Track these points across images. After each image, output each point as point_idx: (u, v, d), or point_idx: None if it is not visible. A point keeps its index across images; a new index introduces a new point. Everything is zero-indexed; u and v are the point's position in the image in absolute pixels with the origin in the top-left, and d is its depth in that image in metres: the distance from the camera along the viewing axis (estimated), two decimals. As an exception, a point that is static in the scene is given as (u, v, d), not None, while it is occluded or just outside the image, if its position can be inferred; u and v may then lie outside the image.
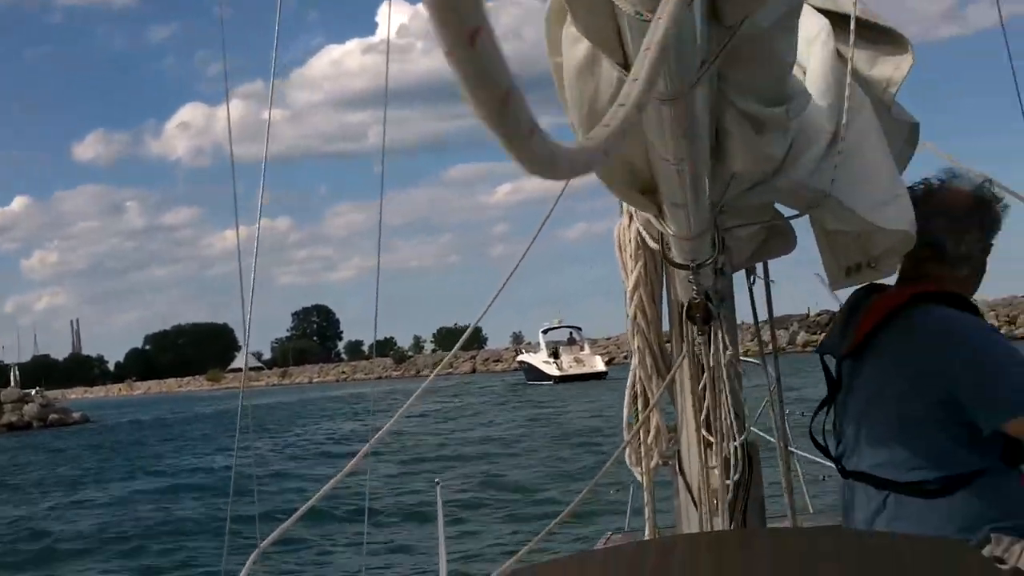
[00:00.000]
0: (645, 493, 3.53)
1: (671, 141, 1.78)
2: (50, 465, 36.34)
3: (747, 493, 3.04)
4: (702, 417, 2.95)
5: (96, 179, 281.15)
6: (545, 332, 74.46)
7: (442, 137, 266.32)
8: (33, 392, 73.62)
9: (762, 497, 3.19)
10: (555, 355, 70.64)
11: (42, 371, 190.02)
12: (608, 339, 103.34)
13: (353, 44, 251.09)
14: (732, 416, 2.85)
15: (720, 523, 2.99)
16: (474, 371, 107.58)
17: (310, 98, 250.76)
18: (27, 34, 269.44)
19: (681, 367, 3.08)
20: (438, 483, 5.71)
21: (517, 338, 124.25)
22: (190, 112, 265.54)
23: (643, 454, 3.41)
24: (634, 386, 3.34)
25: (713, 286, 2.64)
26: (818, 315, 73.91)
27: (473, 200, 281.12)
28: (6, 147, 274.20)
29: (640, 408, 3.33)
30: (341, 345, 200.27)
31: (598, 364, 69.31)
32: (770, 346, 3.42)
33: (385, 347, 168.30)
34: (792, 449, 3.74)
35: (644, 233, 2.89)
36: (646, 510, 3.58)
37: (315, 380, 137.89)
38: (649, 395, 3.29)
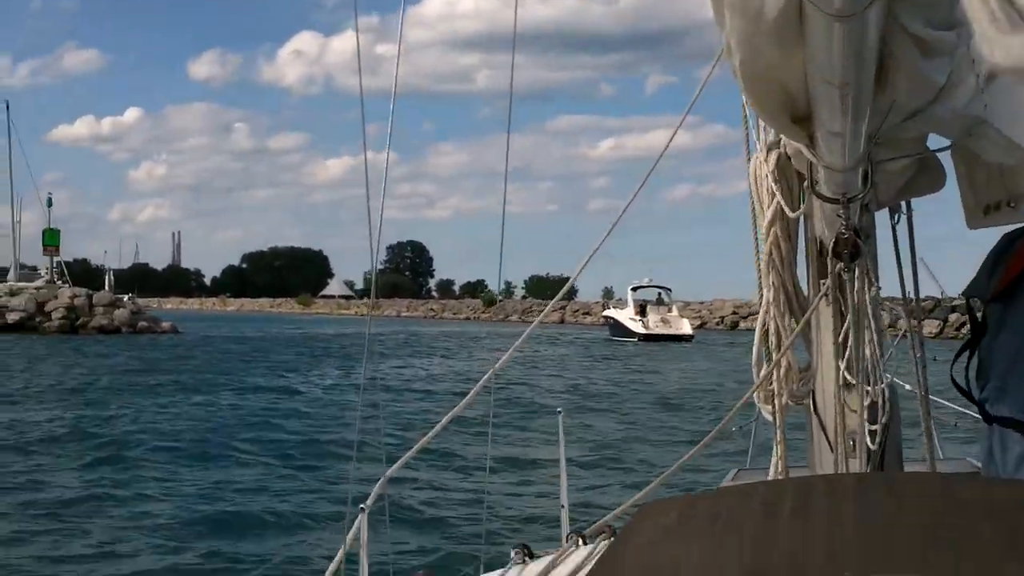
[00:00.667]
0: (777, 432, 3.49)
1: (839, 63, 1.79)
2: (140, 371, 36.46)
3: (885, 437, 2.99)
4: (844, 358, 2.94)
5: (208, 98, 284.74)
6: (634, 290, 73.08)
7: (549, 86, 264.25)
8: (126, 298, 74.51)
9: (899, 442, 3.16)
10: (642, 313, 69.78)
11: (141, 279, 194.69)
12: (701, 303, 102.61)
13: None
14: (878, 356, 2.84)
15: (856, 466, 3.00)
16: (562, 321, 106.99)
17: (423, 36, 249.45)
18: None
19: (819, 306, 3.09)
20: (560, 412, 5.68)
21: (608, 293, 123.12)
22: (304, 40, 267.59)
23: (776, 392, 3.38)
24: (764, 324, 3.32)
25: (859, 222, 2.61)
26: (923, 300, 71.84)
27: (576, 151, 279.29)
28: (123, 58, 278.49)
29: (773, 346, 3.29)
30: (432, 283, 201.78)
31: (684, 327, 68.09)
32: (911, 287, 3.30)
33: (475, 289, 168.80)
34: (932, 397, 3.68)
35: (771, 175, 3.03)
36: (777, 449, 3.54)
37: (403, 314, 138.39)
38: (782, 333, 3.26)
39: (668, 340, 63.68)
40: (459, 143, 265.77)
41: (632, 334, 66.36)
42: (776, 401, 3.38)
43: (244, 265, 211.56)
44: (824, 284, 2.98)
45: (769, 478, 3.65)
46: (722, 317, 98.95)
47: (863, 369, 2.87)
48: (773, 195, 3.13)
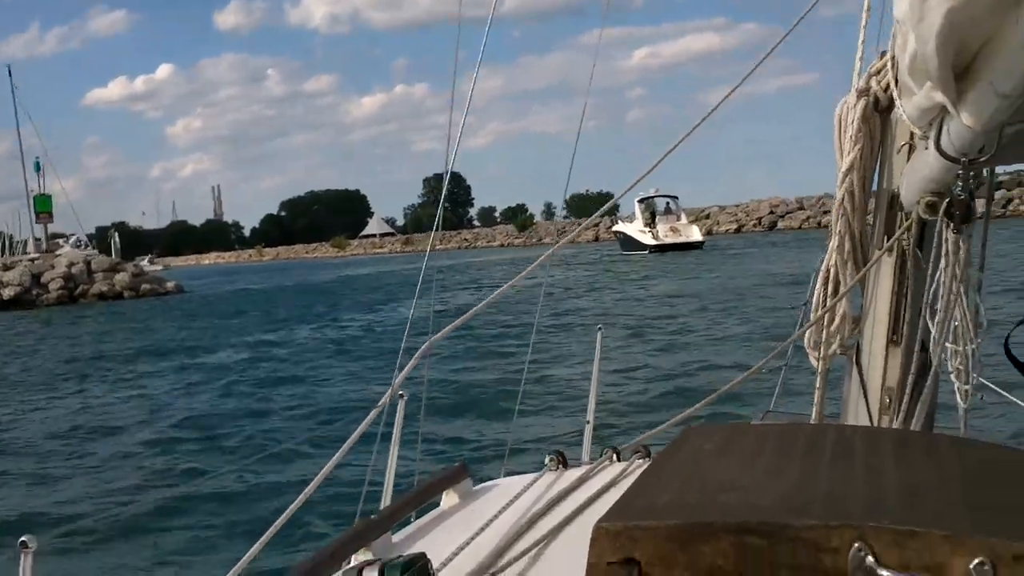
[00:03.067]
0: (818, 378, 3.55)
1: None
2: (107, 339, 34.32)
3: (923, 398, 3.05)
4: (905, 314, 3.07)
5: (237, 47, 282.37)
6: (641, 201, 70.95)
7: (579, 1, 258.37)
8: (146, 259, 72.57)
9: (935, 405, 3.19)
10: (651, 224, 68.09)
11: (179, 237, 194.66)
12: (737, 206, 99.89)
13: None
14: (927, 320, 2.93)
15: (889, 422, 3.10)
16: (597, 239, 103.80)
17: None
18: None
19: (881, 260, 3.14)
20: (600, 328, 5.61)
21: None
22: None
23: (823, 340, 3.41)
24: (827, 270, 3.34)
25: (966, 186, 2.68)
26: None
27: (610, 64, 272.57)
28: (152, 15, 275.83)
29: (829, 294, 3.34)
30: (473, 212, 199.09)
31: (694, 233, 67.37)
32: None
33: (516, 214, 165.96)
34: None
35: (858, 121, 3.13)
36: (816, 395, 3.60)
37: (438, 248, 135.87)
38: (841, 282, 3.30)
39: (679, 249, 62.46)
40: (492, 67, 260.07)
41: (643, 246, 65.61)
42: (823, 348, 3.41)
43: (283, 213, 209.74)
44: (889, 239, 3.08)
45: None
46: (759, 218, 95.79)
47: (917, 329, 2.95)
48: (856, 142, 3.13)
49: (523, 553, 2.28)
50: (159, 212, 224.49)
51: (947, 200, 2.65)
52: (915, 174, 2.84)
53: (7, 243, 73.46)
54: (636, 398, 14.83)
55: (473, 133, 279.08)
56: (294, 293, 56.73)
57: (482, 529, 2.48)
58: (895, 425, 3.09)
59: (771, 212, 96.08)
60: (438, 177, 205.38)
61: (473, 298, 37.62)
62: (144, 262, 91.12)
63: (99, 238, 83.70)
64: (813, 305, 3.41)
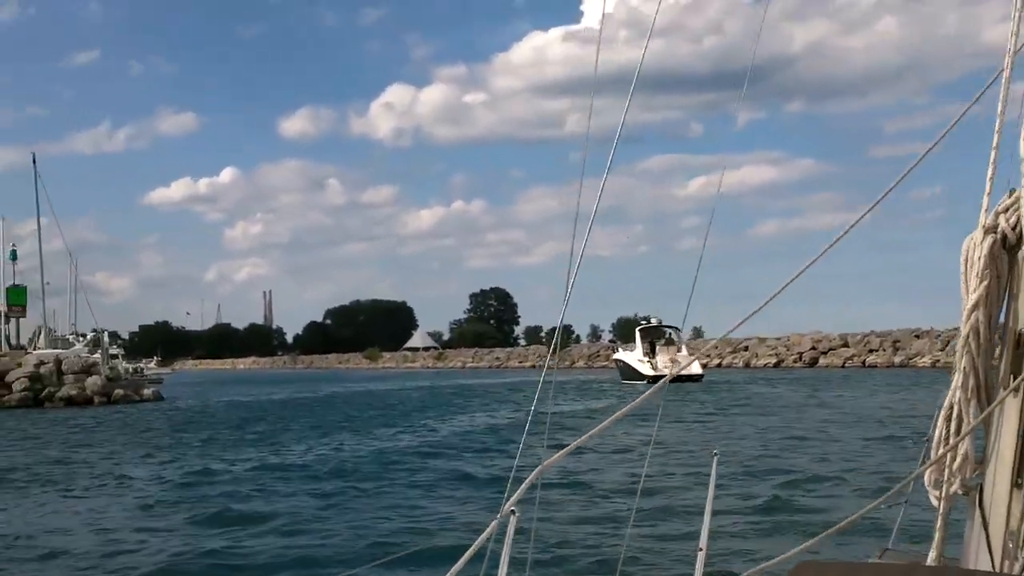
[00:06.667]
0: (939, 518, 3.43)
1: None
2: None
3: None
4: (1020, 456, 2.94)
5: (300, 154, 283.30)
6: (642, 331, 71.58)
7: (639, 128, 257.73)
8: (143, 364, 68.53)
9: None
10: (650, 354, 67.98)
11: (222, 339, 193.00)
12: (777, 339, 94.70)
13: (557, 32, 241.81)
14: None
15: (1017, 568, 3.00)
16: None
17: (511, 84, 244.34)
18: (244, 11, 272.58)
19: (1007, 399, 3.10)
20: (716, 454, 5.34)
21: (697, 332, 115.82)
22: (394, 93, 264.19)
23: (945, 478, 3.27)
24: (950, 407, 3.23)
25: None
26: None
27: (666, 191, 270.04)
28: (219, 120, 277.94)
29: (952, 431, 3.23)
30: (519, 330, 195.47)
31: (694, 367, 65.16)
32: None
33: (562, 335, 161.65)
34: None
35: (983, 259, 3.08)
36: (936, 536, 3.48)
37: (468, 365, 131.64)
38: (965, 420, 3.20)
39: (677, 380, 58.21)
40: (548, 187, 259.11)
41: (641, 376, 64.97)
42: (945, 487, 3.28)
43: (327, 321, 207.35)
44: (1015, 378, 2.96)
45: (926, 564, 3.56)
46: (800, 354, 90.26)
47: None
48: (982, 279, 3.08)
49: None
50: (203, 313, 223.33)
51: None
52: None
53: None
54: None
55: (527, 252, 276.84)
56: (279, 408, 52.19)
57: None
58: (1017, 571, 2.89)
59: (813, 348, 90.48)
60: (484, 293, 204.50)
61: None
62: (151, 365, 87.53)
63: (141, 336, 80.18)
64: (935, 443, 3.25)
